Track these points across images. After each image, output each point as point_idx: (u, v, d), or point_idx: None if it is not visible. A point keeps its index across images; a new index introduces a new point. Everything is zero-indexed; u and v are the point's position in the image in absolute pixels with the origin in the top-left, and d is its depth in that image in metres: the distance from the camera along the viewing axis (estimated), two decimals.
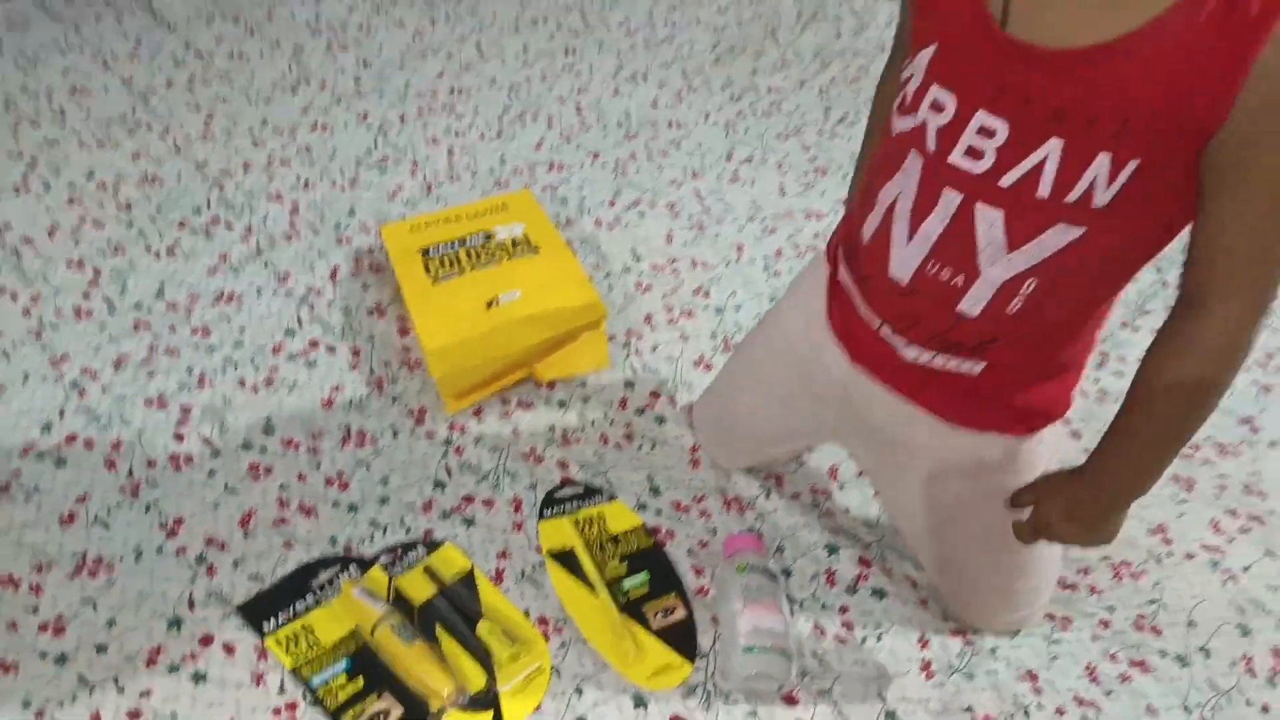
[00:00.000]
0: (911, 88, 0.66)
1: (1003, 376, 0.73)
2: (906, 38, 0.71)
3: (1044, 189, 0.61)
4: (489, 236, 1.23)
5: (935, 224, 0.66)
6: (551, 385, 1.12)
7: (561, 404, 1.10)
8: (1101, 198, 0.60)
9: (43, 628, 0.83)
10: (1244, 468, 1.10)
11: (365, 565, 0.90)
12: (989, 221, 0.64)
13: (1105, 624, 0.93)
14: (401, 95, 1.65)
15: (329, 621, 0.84)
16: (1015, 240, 0.63)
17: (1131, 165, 0.58)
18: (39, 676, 0.79)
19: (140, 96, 1.56)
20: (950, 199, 0.65)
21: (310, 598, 0.86)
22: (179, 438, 1.01)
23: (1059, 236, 0.62)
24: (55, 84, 1.56)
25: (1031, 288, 0.65)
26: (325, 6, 1.90)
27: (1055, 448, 0.82)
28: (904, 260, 0.69)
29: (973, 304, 0.67)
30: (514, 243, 1.22)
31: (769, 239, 1.40)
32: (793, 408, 0.92)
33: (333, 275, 1.25)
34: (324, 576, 0.88)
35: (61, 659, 0.81)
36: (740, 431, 1.01)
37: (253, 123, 1.53)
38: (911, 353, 0.73)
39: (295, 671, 0.81)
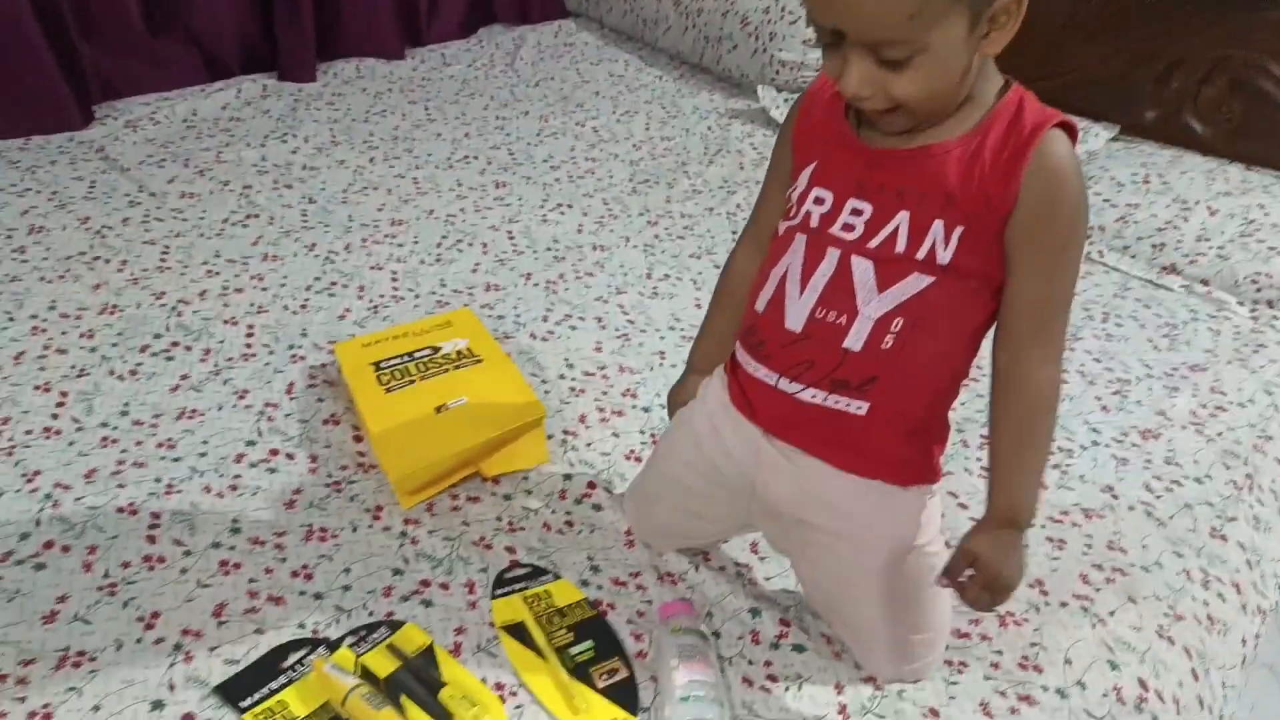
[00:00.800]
0: (796, 194, 0.89)
1: (882, 421, 0.88)
2: (781, 177, 0.95)
3: (900, 247, 0.81)
4: (435, 350, 1.36)
5: (821, 276, 0.85)
6: (497, 480, 1.23)
7: (507, 497, 1.21)
8: (943, 256, 0.80)
9: (31, 715, 0.88)
10: (1107, 528, 1.27)
11: (333, 646, 0.98)
12: (862, 269, 0.83)
13: (995, 665, 1.06)
14: (346, 227, 1.79)
15: (301, 697, 0.92)
16: (883, 283, 0.83)
17: (958, 230, 0.80)
18: None
19: (97, 234, 1.67)
20: (832, 254, 0.85)
21: (283, 677, 0.94)
22: (151, 540, 1.08)
23: (916, 282, 0.82)
24: (15, 224, 1.66)
25: (899, 326, 0.83)
26: (270, 149, 2.05)
27: (938, 519, 0.97)
28: (798, 311, 0.87)
29: (855, 339, 0.85)
30: (459, 355, 1.35)
31: (687, 345, 1.55)
32: (707, 506, 1.07)
33: (288, 390, 1.35)
34: (294, 658, 0.96)
35: None
36: (663, 528, 1.15)
37: (206, 255, 1.65)
38: (807, 395, 0.89)
39: None
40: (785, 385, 0.90)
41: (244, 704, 0.91)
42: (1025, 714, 1.01)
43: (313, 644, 0.98)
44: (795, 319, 0.87)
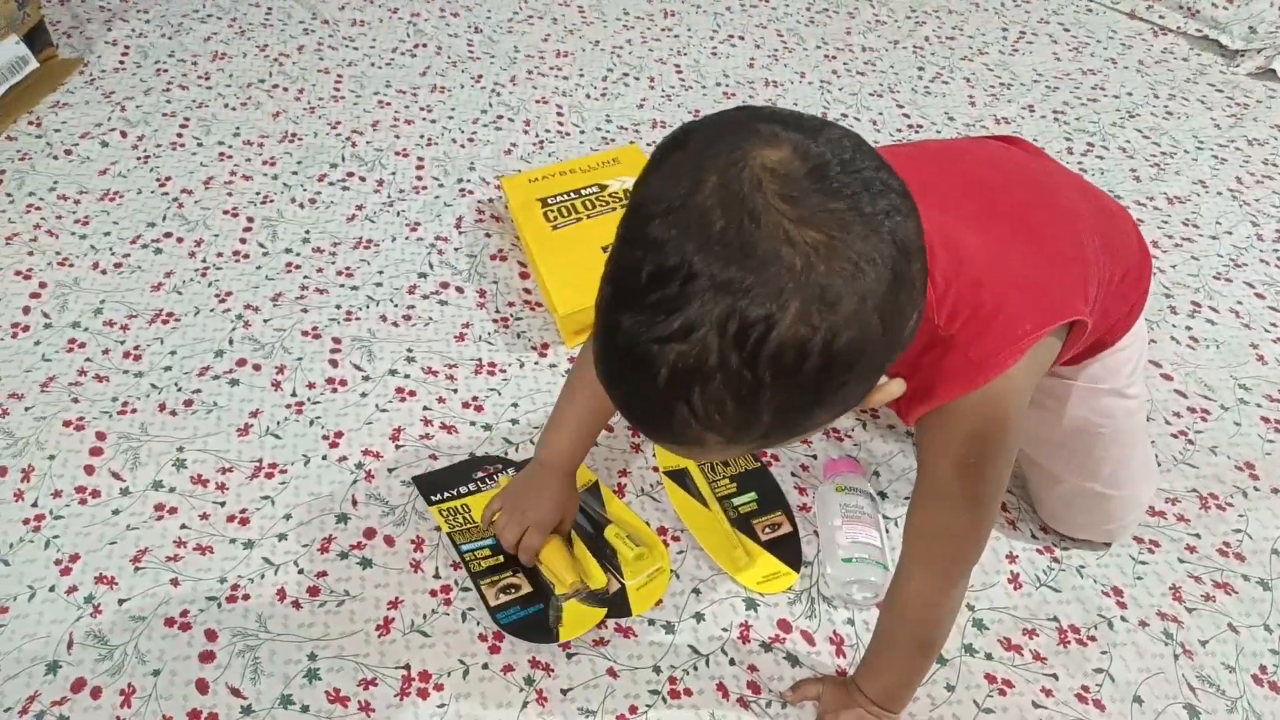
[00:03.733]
0: None
1: None
2: None
3: None
4: (602, 188, 1.32)
5: None
6: None
7: None
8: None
9: (230, 519, 0.95)
10: None
11: (520, 467, 1.00)
12: None
13: (1191, 549, 0.99)
14: (511, 58, 1.75)
15: (483, 506, 0.96)
16: None
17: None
18: (230, 558, 0.92)
19: (275, 61, 1.68)
20: None
21: (472, 485, 0.98)
22: (333, 363, 1.13)
23: None
24: (199, 50, 1.70)
25: None
26: None
27: (1137, 366, 0.88)
28: None
29: None
30: (625, 193, 1.31)
31: None
32: None
33: (457, 224, 1.36)
34: (482, 473, 1.00)
35: (249, 544, 0.93)
36: None
37: (377, 85, 1.64)
38: None
39: (450, 536, 0.93)
40: None
41: (435, 498, 0.97)
42: (1221, 603, 0.94)
43: (504, 463, 1.02)
44: None
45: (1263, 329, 1.26)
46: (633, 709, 0.83)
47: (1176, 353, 1.21)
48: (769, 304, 0.46)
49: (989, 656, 0.89)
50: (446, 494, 0.97)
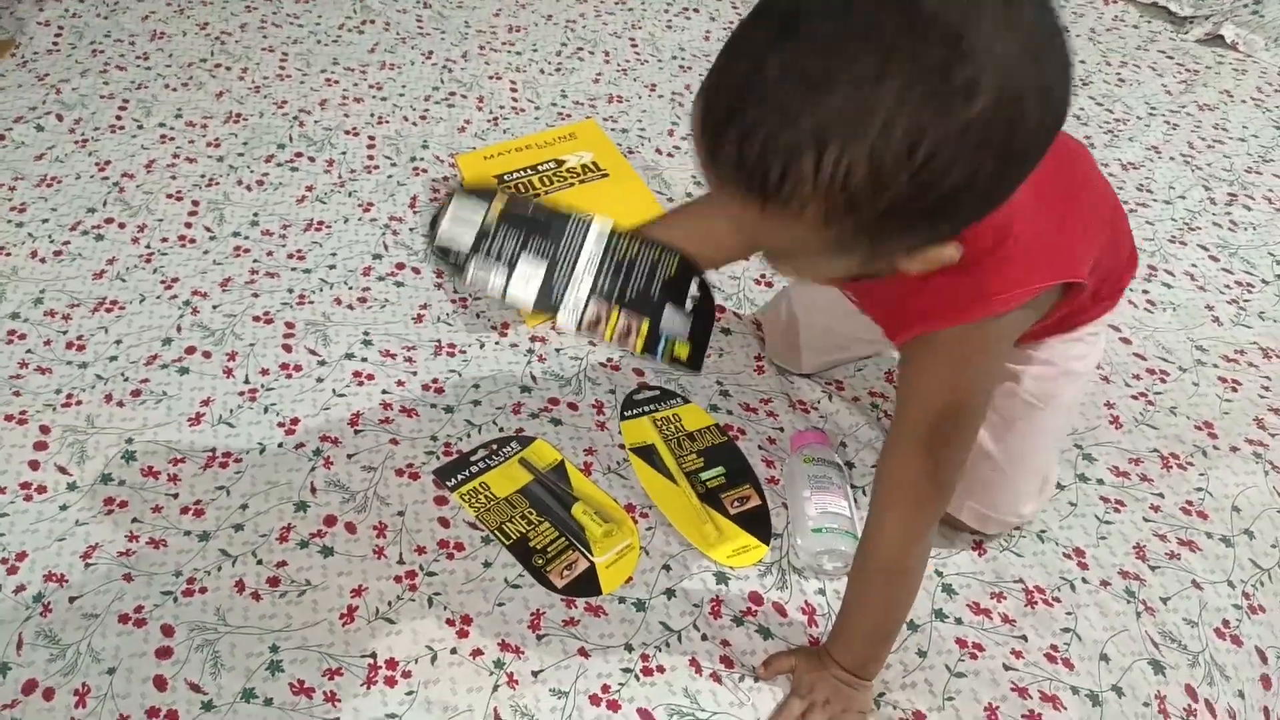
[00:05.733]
0: None
1: None
2: None
3: None
4: (560, 163, 1.30)
5: None
6: None
7: None
8: None
9: (184, 510, 0.92)
10: None
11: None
12: None
13: (1155, 508, 1.00)
14: (462, 34, 1.71)
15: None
16: None
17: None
18: (186, 551, 0.89)
19: (217, 40, 1.63)
20: None
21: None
22: (287, 349, 1.09)
23: None
24: (137, 30, 1.64)
25: None
26: None
27: (1079, 369, 0.88)
28: None
29: None
30: (583, 168, 1.29)
31: None
32: (857, 317, 0.99)
33: (412, 204, 1.32)
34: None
35: (204, 536, 0.90)
36: (809, 341, 1.08)
37: (324, 63, 1.60)
38: None
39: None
40: None
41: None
42: (1186, 559, 0.95)
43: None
44: None
45: (1217, 291, 1.28)
46: (605, 688, 0.82)
47: (1135, 316, 1.22)
48: (984, 74, 0.47)
49: (959, 621, 0.90)
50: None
